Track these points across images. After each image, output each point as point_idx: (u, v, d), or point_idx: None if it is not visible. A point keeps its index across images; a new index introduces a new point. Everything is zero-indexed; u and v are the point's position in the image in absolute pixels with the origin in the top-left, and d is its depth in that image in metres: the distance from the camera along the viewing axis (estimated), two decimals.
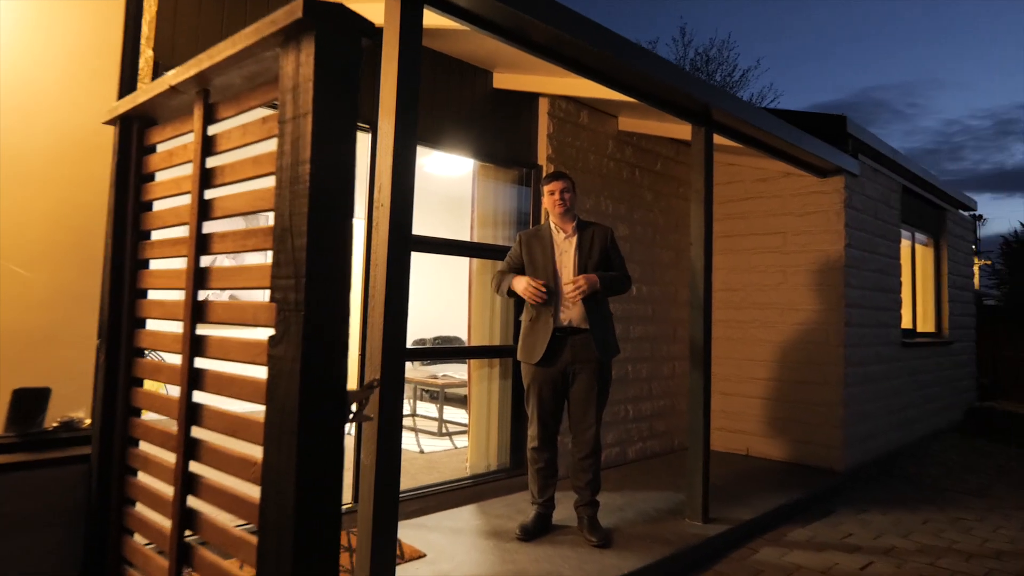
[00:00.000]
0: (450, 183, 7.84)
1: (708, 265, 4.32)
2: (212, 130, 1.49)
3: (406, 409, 7.56)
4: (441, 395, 6.93)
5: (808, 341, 5.96)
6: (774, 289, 6.19)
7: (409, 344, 8.47)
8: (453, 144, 4.60)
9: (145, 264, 1.72)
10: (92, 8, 2.59)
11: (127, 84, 2.32)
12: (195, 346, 1.46)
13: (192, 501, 1.45)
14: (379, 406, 2.66)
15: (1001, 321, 11.00)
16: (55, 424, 2.01)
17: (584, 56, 3.49)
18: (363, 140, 4.15)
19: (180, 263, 1.50)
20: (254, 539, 1.20)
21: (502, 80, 4.85)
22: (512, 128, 5.00)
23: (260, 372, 1.22)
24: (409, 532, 3.82)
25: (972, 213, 9.76)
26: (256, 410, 1.23)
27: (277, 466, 1.14)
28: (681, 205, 6.41)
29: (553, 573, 3.36)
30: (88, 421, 1.96)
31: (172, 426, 1.50)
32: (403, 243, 2.73)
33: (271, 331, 1.19)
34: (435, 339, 8.91)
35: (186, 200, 1.52)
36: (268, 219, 1.33)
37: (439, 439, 6.47)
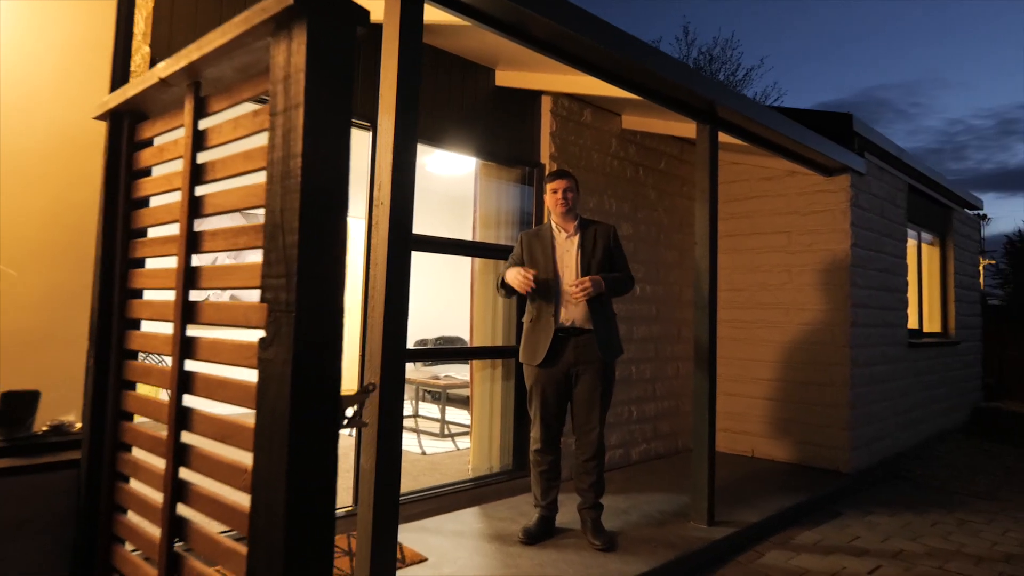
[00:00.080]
0: (452, 182, 7.81)
1: (713, 265, 4.26)
2: (203, 124, 1.44)
3: (408, 410, 7.52)
4: (443, 396, 6.88)
5: (814, 341, 5.90)
6: (779, 289, 6.14)
7: (410, 345, 8.44)
8: (455, 142, 4.55)
9: (136, 263, 1.67)
10: (86, 4, 2.55)
11: (119, 80, 2.27)
12: (185, 348, 1.41)
13: (183, 509, 1.40)
14: (379, 408, 2.61)
15: (1006, 321, 10.93)
16: (45, 428, 1.96)
17: (587, 52, 3.44)
18: (364, 138, 4.10)
19: (173, 262, 1.45)
20: (244, 550, 1.15)
21: (504, 78, 4.80)
22: (514, 126, 4.95)
23: (253, 375, 1.18)
24: (411, 535, 3.77)
25: (977, 212, 9.68)
26: (249, 414, 1.18)
27: (267, 475, 1.08)
28: (685, 204, 6.36)
29: None
30: (79, 425, 1.91)
31: (162, 431, 1.44)
32: (403, 242, 2.67)
33: (262, 333, 1.14)
34: (437, 339, 8.86)
35: (178, 197, 1.47)
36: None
37: (441, 440, 6.42)
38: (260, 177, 1.22)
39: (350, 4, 1.14)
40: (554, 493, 3.87)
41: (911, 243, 7.45)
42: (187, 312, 1.41)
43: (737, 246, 6.40)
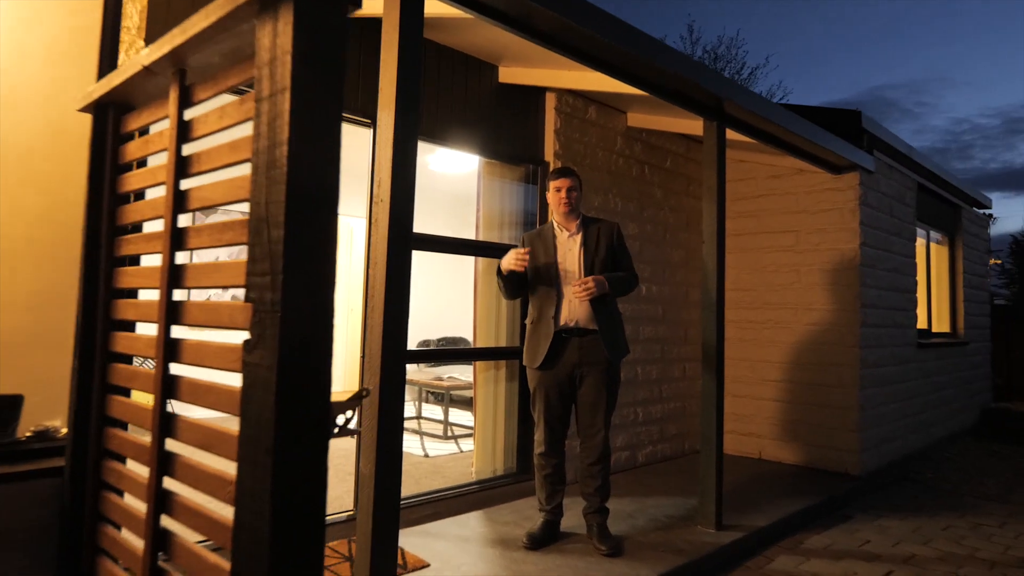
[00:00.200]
0: (455, 181, 7.73)
1: (721, 264, 4.18)
2: (189, 114, 1.37)
3: (411, 412, 7.44)
4: (446, 397, 6.80)
5: (822, 342, 5.81)
6: (787, 288, 6.05)
7: (413, 345, 8.38)
8: (457, 140, 4.48)
9: (122, 261, 1.60)
10: None
11: (107, 72, 2.20)
12: (170, 350, 1.33)
13: (167, 521, 1.32)
14: (378, 411, 2.53)
15: (1012, 321, 10.82)
16: (28, 434, 1.88)
17: (592, 46, 3.36)
18: (365, 136, 4.03)
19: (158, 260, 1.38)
20: (228, 566, 1.07)
21: (508, 74, 4.72)
22: (518, 124, 4.87)
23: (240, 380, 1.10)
24: (413, 540, 3.70)
25: (986, 211, 9.58)
26: (235, 421, 1.11)
27: (251, 487, 1.01)
28: (691, 203, 6.27)
29: None
30: (65, 431, 1.84)
31: (147, 437, 1.37)
32: (403, 240, 2.60)
33: (248, 335, 1.06)
34: (439, 340, 8.78)
35: (163, 191, 1.39)
36: None
37: (444, 442, 6.34)
38: (247, 169, 1.14)
39: None
40: (559, 497, 3.79)
41: (920, 242, 7.35)
42: (171, 312, 1.33)
43: (744, 245, 6.32)
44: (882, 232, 6.07)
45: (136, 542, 1.38)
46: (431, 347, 8.60)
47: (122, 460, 1.55)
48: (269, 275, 1.01)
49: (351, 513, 3.88)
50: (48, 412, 1.96)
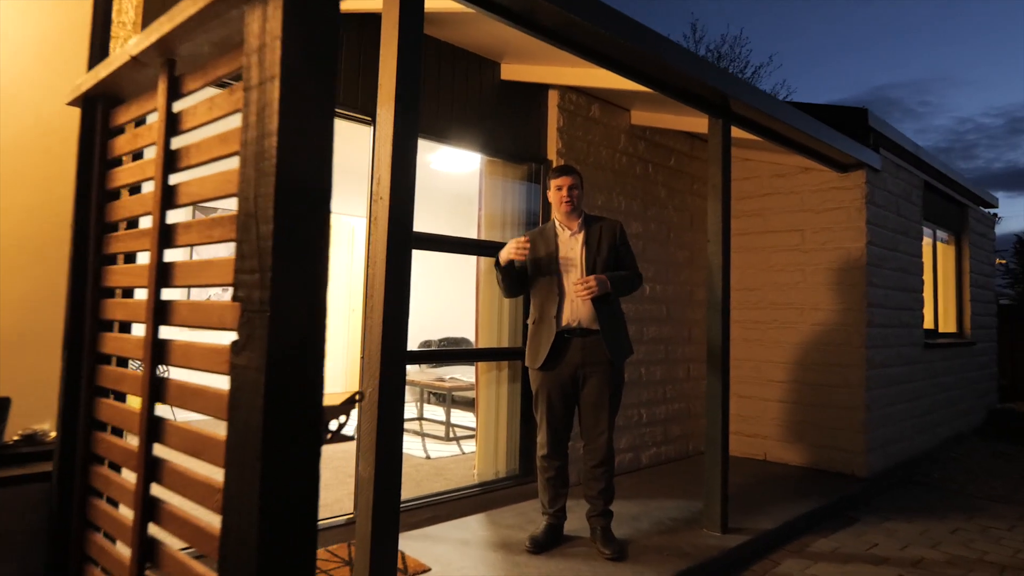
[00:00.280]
0: (457, 181, 7.69)
1: (726, 263, 4.12)
2: (178, 107, 1.31)
3: (413, 413, 7.39)
4: (448, 398, 6.75)
5: (828, 342, 5.75)
6: (792, 288, 5.99)
7: (414, 346, 8.32)
8: (459, 138, 4.42)
9: (111, 259, 1.55)
10: None
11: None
12: (157, 352, 1.28)
13: (154, 529, 1.27)
14: (378, 413, 2.48)
15: (1017, 321, 10.74)
16: (16, 437, 1.83)
17: (596, 41, 3.30)
18: (366, 133, 3.98)
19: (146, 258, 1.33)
20: None
21: (510, 71, 4.67)
22: (520, 122, 4.82)
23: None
24: (414, 544, 3.64)
25: (993, 210, 9.51)
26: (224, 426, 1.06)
27: (239, 495, 0.95)
28: (696, 202, 6.22)
29: None
30: (54, 434, 1.79)
31: (135, 442, 1.32)
32: (403, 239, 2.54)
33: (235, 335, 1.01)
34: (441, 341, 8.73)
35: (152, 187, 1.34)
36: None
37: (446, 444, 6.29)
38: (237, 162, 1.09)
39: None
40: (562, 500, 3.74)
41: (926, 241, 7.28)
42: (160, 312, 1.28)
43: (749, 244, 6.26)
44: (889, 231, 6.00)
45: (122, 551, 1.33)
46: (432, 348, 8.55)
47: (111, 465, 1.50)
48: (258, 272, 0.95)
49: (351, 516, 3.83)
50: (37, 415, 1.91)
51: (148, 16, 2.85)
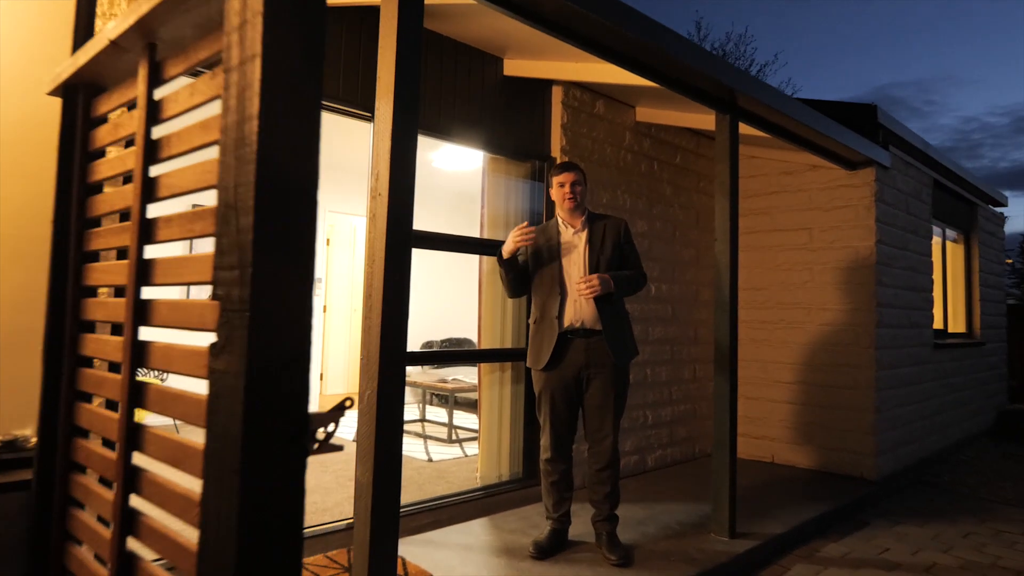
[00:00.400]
0: (459, 180, 7.62)
1: (734, 262, 4.03)
2: (160, 94, 1.24)
3: (415, 415, 7.32)
4: (451, 400, 6.67)
5: (837, 343, 5.66)
6: (800, 288, 5.90)
7: (417, 347, 8.25)
8: (461, 135, 4.34)
9: (93, 256, 1.47)
10: None
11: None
12: (137, 354, 1.20)
13: (133, 543, 1.19)
14: (376, 416, 2.40)
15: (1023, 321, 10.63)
16: None
17: (601, 34, 3.22)
18: (367, 130, 3.90)
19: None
20: None
21: (513, 67, 4.58)
22: (524, 118, 4.73)
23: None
24: (415, 549, 3.57)
25: (1002, 209, 9.40)
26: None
27: (217, 509, 0.88)
28: (702, 200, 6.13)
29: None
30: (36, 440, 1.71)
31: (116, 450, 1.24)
32: (403, 237, 2.47)
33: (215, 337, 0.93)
34: (443, 341, 8.65)
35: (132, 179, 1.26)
36: None
37: (449, 446, 6.21)
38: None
39: None
40: (566, 505, 3.65)
41: (935, 240, 7.19)
42: (139, 312, 1.20)
43: (756, 243, 6.17)
44: (898, 230, 5.91)
45: (99, 567, 1.25)
46: (434, 348, 8.48)
47: (92, 474, 1.42)
48: (237, 269, 0.87)
49: (351, 521, 3.75)
50: (19, 420, 1.84)
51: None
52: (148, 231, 1.20)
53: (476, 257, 4.89)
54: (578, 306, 3.51)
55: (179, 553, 1.02)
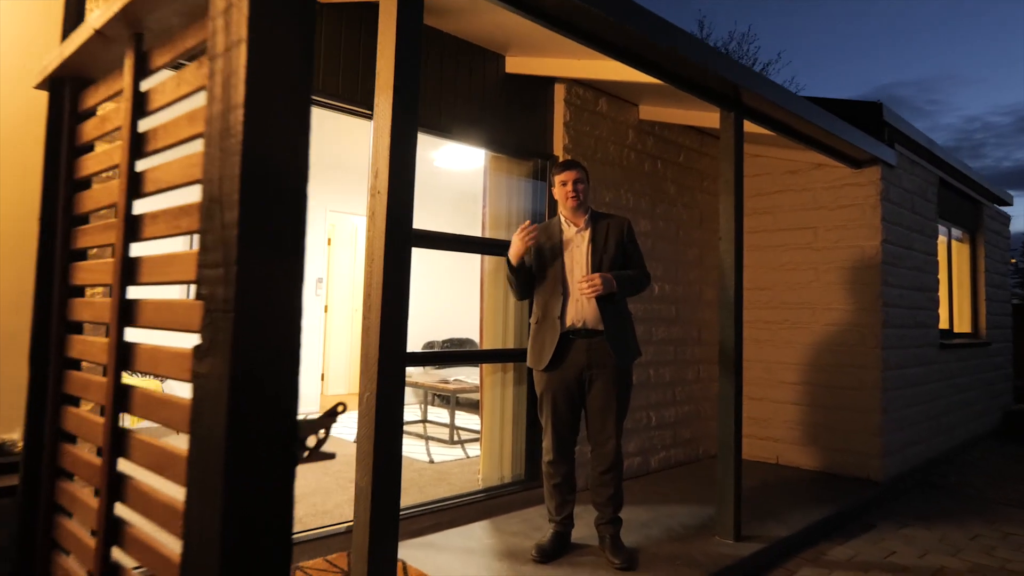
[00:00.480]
0: (461, 179, 7.57)
1: (739, 261, 3.98)
2: (146, 85, 1.19)
3: (417, 416, 7.27)
4: (453, 400, 6.62)
5: (842, 343, 5.60)
6: (805, 287, 5.84)
7: (419, 347, 8.20)
8: (462, 133, 4.29)
9: (80, 255, 1.42)
10: None
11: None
12: (123, 356, 1.15)
13: (118, 554, 1.14)
14: (375, 418, 2.36)
15: None
16: None
17: (604, 29, 3.16)
18: (366, 128, 3.85)
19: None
20: None
21: (515, 64, 4.53)
22: (526, 116, 4.68)
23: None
24: (416, 553, 3.52)
25: (1007, 208, 9.33)
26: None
27: (200, 520, 0.83)
28: (705, 199, 6.07)
29: None
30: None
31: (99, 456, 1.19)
32: (402, 236, 2.42)
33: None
34: (445, 342, 8.60)
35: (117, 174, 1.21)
36: None
37: (450, 447, 6.16)
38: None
39: None
40: (569, 507, 3.60)
41: (940, 240, 7.12)
42: (125, 312, 1.15)
43: (760, 243, 6.11)
44: (904, 229, 5.85)
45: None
46: (436, 349, 8.43)
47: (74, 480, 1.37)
48: (221, 267, 0.82)
49: (352, 524, 3.70)
50: (7, 423, 1.79)
51: None
52: (134, 228, 1.15)
53: (478, 257, 4.84)
54: (580, 306, 3.46)
55: (163, 565, 0.97)
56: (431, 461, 5.58)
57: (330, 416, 0.94)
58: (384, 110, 2.43)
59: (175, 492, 0.99)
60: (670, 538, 3.89)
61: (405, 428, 6.61)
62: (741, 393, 3.98)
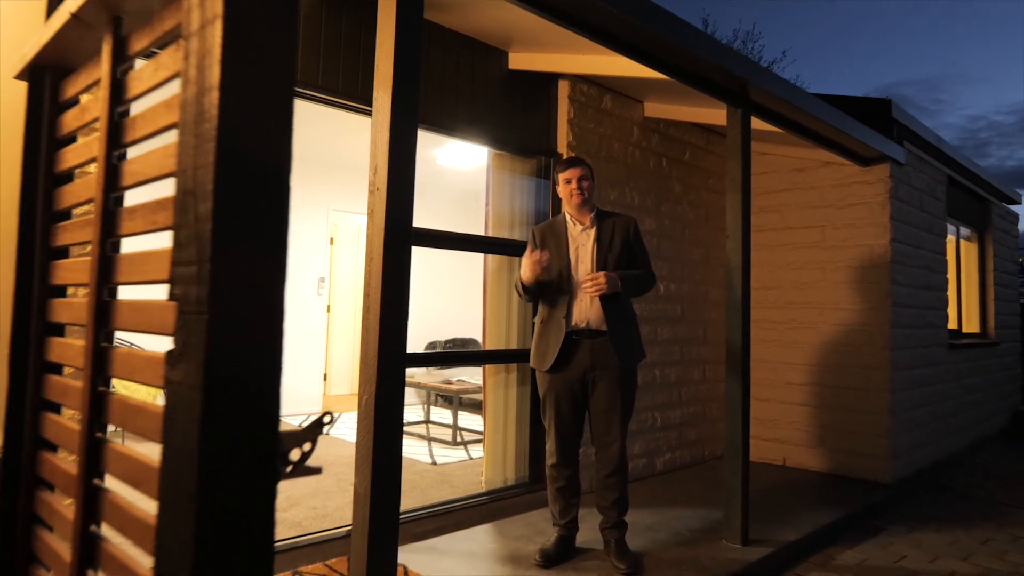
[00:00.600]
0: (464, 179, 7.51)
1: (746, 260, 3.90)
2: (125, 71, 1.12)
3: (419, 416, 7.20)
4: (456, 401, 6.54)
5: (850, 343, 5.52)
6: (812, 287, 5.76)
7: (421, 348, 8.13)
8: (464, 130, 4.22)
9: (61, 253, 1.35)
10: None
11: None
12: (99, 360, 1.08)
13: (93, 572, 1.07)
14: (374, 421, 2.29)
15: None
16: None
17: (611, 23, 3.09)
18: (368, 125, 3.77)
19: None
20: None
21: (518, 60, 4.46)
22: (529, 113, 4.61)
23: None
24: (417, 557, 3.45)
25: (1016, 207, 9.23)
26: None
27: (171, 539, 0.76)
28: (711, 198, 5.99)
29: None
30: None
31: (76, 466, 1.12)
32: (402, 233, 2.35)
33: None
34: (447, 342, 8.53)
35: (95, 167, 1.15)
36: None
37: (453, 449, 6.09)
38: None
39: None
40: (573, 511, 3.53)
41: (949, 238, 7.03)
42: (101, 314, 1.09)
43: (767, 242, 6.03)
44: (913, 227, 5.77)
45: None
46: (438, 349, 8.36)
47: (54, 490, 1.31)
48: (195, 264, 0.75)
49: (351, 528, 3.64)
50: None
51: None
52: (111, 224, 1.08)
53: (481, 256, 4.77)
54: (584, 306, 3.39)
55: None
56: (434, 463, 5.51)
57: (316, 427, 0.87)
58: (383, 104, 2.36)
59: (151, 507, 0.92)
60: (676, 542, 3.82)
61: (407, 429, 6.55)
62: (749, 394, 3.90)
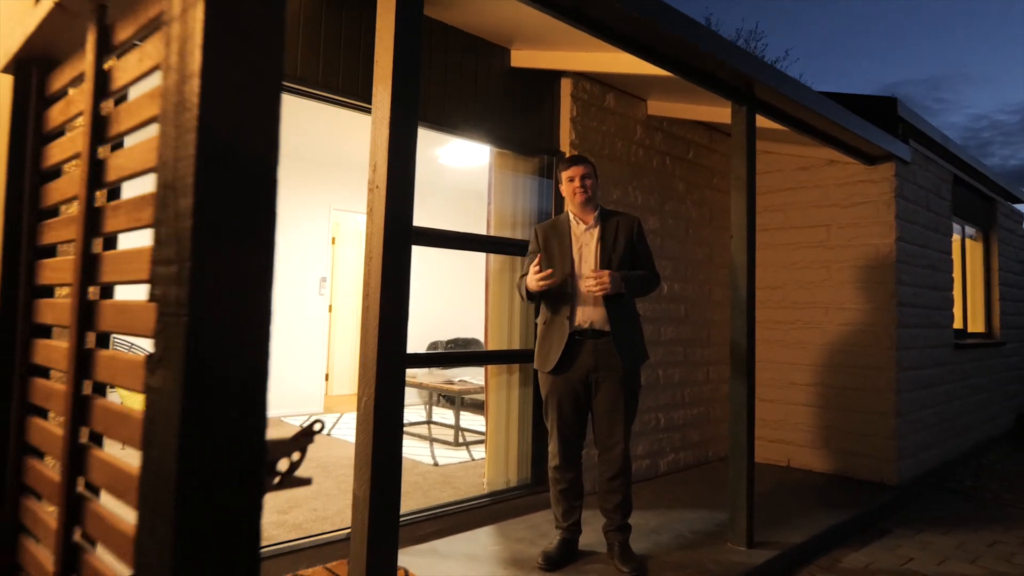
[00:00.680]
0: (466, 178, 7.46)
1: (751, 260, 3.85)
2: (110, 63, 1.07)
3: (421, 416, 7.16)
4: (458, 402, 6.50)
5: (855, 343, 5.47)
6: (817, 287, 5.71)
7: (422, 348, 8.08)
8: (466, 129, 4.17)
9: (47, 251, 1.31)
10: None
11: None
12: (82, 363, 1.04)
13: None
14: (374, 423, 2.24)
15: None
16: None
17: (615, 18, 3.04)
18: (368, 123, 3.73)
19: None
20: None
21: (520, 57, 4.41)
22: (532, 111, 4.56)
23: None
24: (418, 560, 3.40)
25: (1021, 206, 9.17)
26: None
27: (150, 554, 0.71)
28: (715, 197, 5.94)
29: None
30: None
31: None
32: (402, 232, 2.30)
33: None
34: (449, 342, 8.48)
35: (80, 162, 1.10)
36: None
37: (455, 449, 6.04)
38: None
39: None
40: (576, 514, 3.48)
41: (954, 238, 6.97)
42: (85, 314, 1.04)
43: (771, 241, 5.98)
44: (918, 227, 5.71)
45: None
46: (440, 349, 8.31)
47: (40, 499, 1.26)
48: (175, 263, 0.71)
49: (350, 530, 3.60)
50: None
51: None
52: (95, 221, 1.04)
53: (483, 256, 4.72)
54: (587, 306, 3.35)
55: None
56: (435, 464, 5.46)
57: (305, 436, 0.83)
58: (383, 100, 2.32)
59: (134, 518, 0.88)
60: (680, 545, 3.77)
61: (409, 430, 6.51)
62: (754, 395, 3.85)
